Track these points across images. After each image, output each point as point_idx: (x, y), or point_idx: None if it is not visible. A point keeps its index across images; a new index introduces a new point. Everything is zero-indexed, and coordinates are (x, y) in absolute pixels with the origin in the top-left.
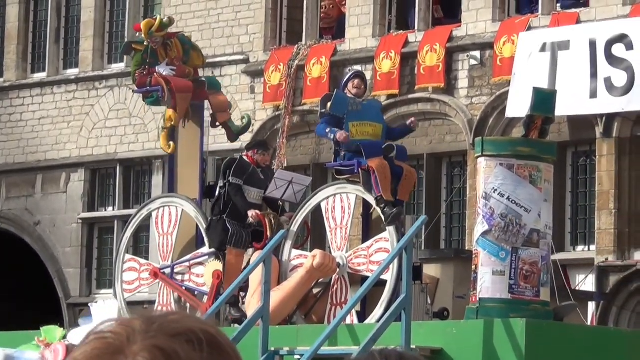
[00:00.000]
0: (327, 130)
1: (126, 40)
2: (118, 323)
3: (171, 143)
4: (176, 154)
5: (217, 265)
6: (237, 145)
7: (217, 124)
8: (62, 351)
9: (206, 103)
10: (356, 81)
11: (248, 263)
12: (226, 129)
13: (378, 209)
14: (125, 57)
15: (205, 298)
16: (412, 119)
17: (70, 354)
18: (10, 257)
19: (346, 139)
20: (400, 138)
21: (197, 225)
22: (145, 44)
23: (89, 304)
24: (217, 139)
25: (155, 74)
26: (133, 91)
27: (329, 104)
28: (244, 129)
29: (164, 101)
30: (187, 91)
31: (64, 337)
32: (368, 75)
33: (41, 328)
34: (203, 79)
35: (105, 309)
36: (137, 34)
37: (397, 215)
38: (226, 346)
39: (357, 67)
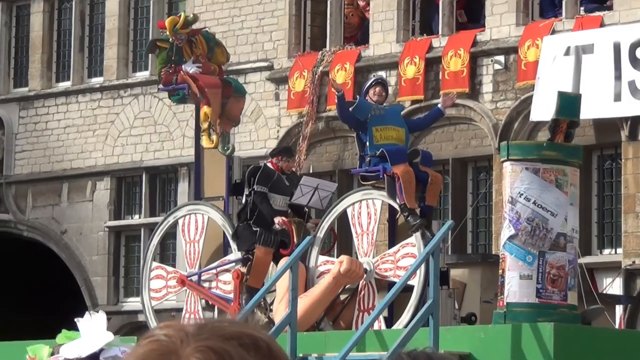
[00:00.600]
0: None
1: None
2: (172, 327)
3: (213, 137)
4: (202, 151)
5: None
6: (262, 152)
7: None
8: None
9: None
10: (377, 88)
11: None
12: (216, 138)
13: (403, 216)
14: (149, 65)
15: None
16: (444, 97)
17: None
18: (37, 266)
19: (338, 89)
20: (431, 124)
21: (223, 233)
22: (170, 41)
23: (75, 319)
24: (242, 146)
25: (181, 72)
26: (159, 89)
27: (350, 109)
28: (223, 152)
29: (190, 98)
30: (216, 87)
31: (52, 354)
32: (392, 80)
33: (28, 347)
34: (231, 79)
35: (93, 323)
36: (162, 31)
37: (420, 225)
38: (278, 352)
39: (381, 73)
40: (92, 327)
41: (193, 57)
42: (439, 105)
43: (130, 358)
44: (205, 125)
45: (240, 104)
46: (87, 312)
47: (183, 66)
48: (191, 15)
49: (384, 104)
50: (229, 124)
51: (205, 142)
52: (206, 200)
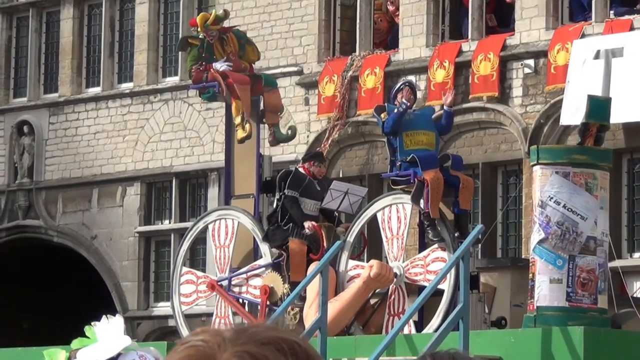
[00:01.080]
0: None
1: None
2: (208, 332)
3: (247, 126)
4: (233, 149)
5: (272, 278)
6: (292, 157)
7: (265, 122)
8: None
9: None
10: (405, 91)
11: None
12: (271, 132)
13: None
14: (179, 71)
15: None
16: (444, 97)
17: None
18: (67, 271)
19: (409, 99)
20: (450, 127)
21: (253, 237)
22: (200, 37)
23: (92, 324)
24: (271, 151)
25: (211, 69)
26: (189, 87)
27: (382, 115)
28: (288, 139)
29: (221, 96)
30: (245, 83)
31: (68, 359)
32: (422, 85)
33: (44, 352)
34: (260, 74)
35: (110, 327)
36: (193, 29)
37: (439, 242)
38: (315, 356)
39: (411, 77)
40: (109, 332)
41: (225, 55)
42: (445, 107)
43: None
44: (238, 120)
45: (275, 94)
46: (104, 317)
47: (213, 64)
48: (222, 12)
49: (413, 108)
50: (274, 116)
51: (239, 133)
52: (236, 197)
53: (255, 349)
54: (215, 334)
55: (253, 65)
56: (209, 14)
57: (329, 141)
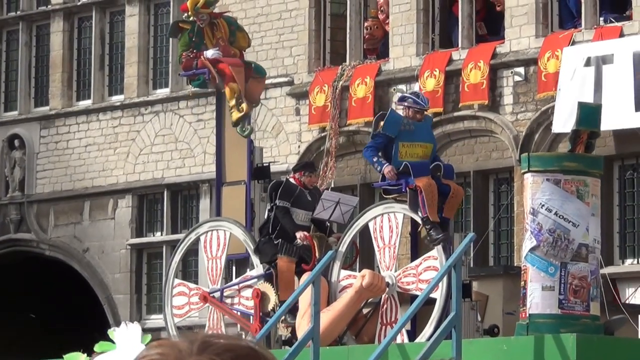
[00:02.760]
0: (374, 160)
1: (170, 62)
2: (165, 345)
3: (243, 106)
4: (223, 136)
5: (264, 288)
6: (283, 167)
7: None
8: None
9: None
10: (410, 107)
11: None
12: (246, 106)
13: (425, 229)
14: (169, 83)
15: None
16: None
17: None
18: (59, 284)
19: (392, 176)
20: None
21: (245, 249)
22: (191, 20)
23: (112, 329)
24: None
25: (201, 57)
26: (179, 74)
27: (381, 123)
28: (242, 133)
29: (211, 83)
30: (240, 66)
31: None
32: None
33: (64, 355)
34: (250, 61)
35: (129, 334)
36: (185, 14)
37: (444, 241)
38: None
39: (402, 87)
40: (128, 338)
41: (215, 40)
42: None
43: None
44: (232, 102)
45: (260, 84)
46: (122, 323)
47: (204, 52)
48: None
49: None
50: (249, 106)
51: (235, 115)
52: (227, 184)
53: (213, 358)
54: (171, 345)
55: (243, 52)
56: None
57: (332, 158)
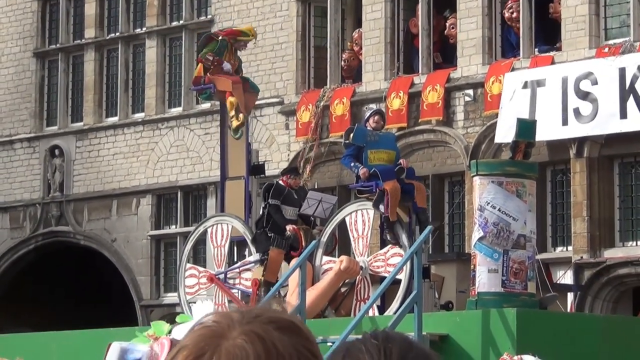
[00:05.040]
0: (352, 165)
1: (183, 86)
2: (219, 314)
3: (240, 116)
4: (226, 140)
5: (260, 272)
6: (275, 172)
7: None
8: (167, 345)
9: None
10: (376, 117)
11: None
12: (243, 116)
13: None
14: (182, 102)
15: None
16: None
17: (179, 342)
18: (93, 268)
19: (366, 176)
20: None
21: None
22: (221, 39)
23: (192, 304)
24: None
25: (208, 74)
26: (190, 89)
27: (351, 135)
28: (235, 137)
29: (216, 96)
30: (239, 83)
31: (170, 332)
32: None
33: (151, 322)
34: (247, 77)
35: (204, 308)
36: (220, 37)
37: (394, 244)
38: (306, 332)
39: (373, 106)
40: (202, 313)
41: (231, 60)
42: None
43: (184, 342)
44: (232, 113)
45: (254, 98)
46: (199, 299)
47: (223, 63)
48: (254, 31)
49: (381, 131)
50: (245, 116)
51: (234, 123)
52: (230, 179)
53: (260, 328)
54: (225, 315)
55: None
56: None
57: (310, 165)
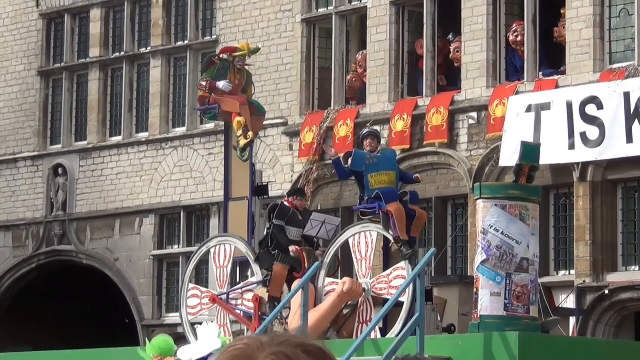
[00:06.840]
0: (345, 168)
1: (187, 106)
2: (249, 338)
3: (250, 134)
4: (231, 161)
5: (263, 292)
6: (279, 192)
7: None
8: None
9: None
10: (368, 139)
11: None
12: (236, 147)
13: (396, 246)
14: (186, 122)
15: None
16: (417, 175)
17: None
18: (95, 287)
19: (333, 155)
20: (409, 183)
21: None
22: (225, 58)
23: (196, 325)
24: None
25: (213, 94)
26: (194, 109)
27: (349, 160)
28: (242, 159)
29: (220, 116)
30: (245, 103)
31: (175, 354)
32: (385, 133)
33: (154, 338)
34: (253, 100)
35: (209, 330)
36: (222, 55)
37: (411, 255)
38: (332, 357)
39: (376, 127)
40: (207, 335)
41: (234, 79)
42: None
43: None
44: (240, 132)
45: (260, 121)
46: (204, 321)
47: (217, 83)
48: (257, 47)
49: (378, 151)
50: (254, 134)
51: (242, 142)
52: (234, 200)
53: (289, 350)
54: (255, 339)
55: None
56: (247, 45)
57: (311, 182)
